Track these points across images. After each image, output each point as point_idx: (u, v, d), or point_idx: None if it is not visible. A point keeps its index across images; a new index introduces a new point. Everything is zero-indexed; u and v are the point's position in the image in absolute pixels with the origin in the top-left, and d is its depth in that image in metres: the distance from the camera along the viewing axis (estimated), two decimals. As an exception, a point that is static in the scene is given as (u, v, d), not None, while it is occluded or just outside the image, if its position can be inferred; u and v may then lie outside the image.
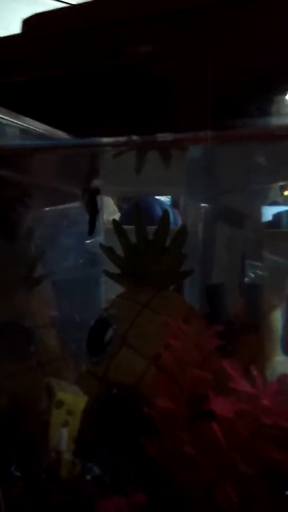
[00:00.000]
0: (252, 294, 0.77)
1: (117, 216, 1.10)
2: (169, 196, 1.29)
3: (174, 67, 0.49)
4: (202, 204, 0.93)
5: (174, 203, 1.30)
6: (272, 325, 0.74)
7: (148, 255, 0.61)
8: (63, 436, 0.47)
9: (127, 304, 0.60)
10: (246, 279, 0.91)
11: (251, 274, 0.95)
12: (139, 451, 0.47)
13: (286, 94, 0.51)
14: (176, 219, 0.95)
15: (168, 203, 1.28)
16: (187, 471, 0.43)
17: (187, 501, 0.43)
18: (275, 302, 0.77)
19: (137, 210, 0.63)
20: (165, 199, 1.28)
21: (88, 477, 0.48)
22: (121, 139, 0.46)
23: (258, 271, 0.96)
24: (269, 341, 0.71)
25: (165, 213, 0.62)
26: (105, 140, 0.49)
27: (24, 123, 0.55)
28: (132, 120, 0.51)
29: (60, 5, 0.52)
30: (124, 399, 0.54)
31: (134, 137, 0.45)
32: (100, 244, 0.66)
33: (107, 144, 0.49)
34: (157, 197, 1.18)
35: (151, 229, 0.62)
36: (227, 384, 0.43)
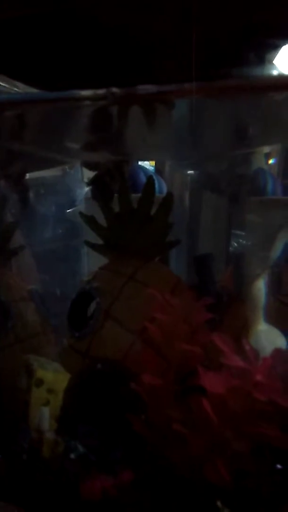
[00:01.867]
0: (238, 264, 0.75)
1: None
2: (153, 163, 1.24)
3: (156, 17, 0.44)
4: (188, 171, 0.89)
5: (159, 171, 1.25)
6: (255, 294, 0.72)
7: (133, 224, 0.57)
8: (44, 415, 0.45)
9: (111, 276, 0.57)
10: (231, 249, 0.89)
11: (236, 243, 0.93)
12: (125, 428, 0.45)
13: (275, 49, 0.47)
14: (161, 187, 0.90)
15: (153, 171, 1.23)
16: (175, 448, 0.42)
17: (175, 478, 0.41)
18: (259, 271, 0.75)
19: (120, 176, 0.59)
20: (149, 166, 1.23)
21: (72, 455, 0.46)
22: (100, 91, 0.41)
23: (241, 240, 0.94)
24: (252, 310, 0.70)
25: (150, 179, 0.58)
26: (83, 93, 0.44)
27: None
28: (113, 72, 0.46)
29: None
30: (109, 374, 0.51)
31: (114, 89, 0.40)
32: (81, 213, 0.62)
33: (85, 98, 0.44)
34: (140, 163, 1.13)
35: (136, 197, 0.58)
36: (217, 358, 0.41)
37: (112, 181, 0.65)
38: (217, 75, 0.44)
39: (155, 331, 0.44)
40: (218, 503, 0.39)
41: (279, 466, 0.43)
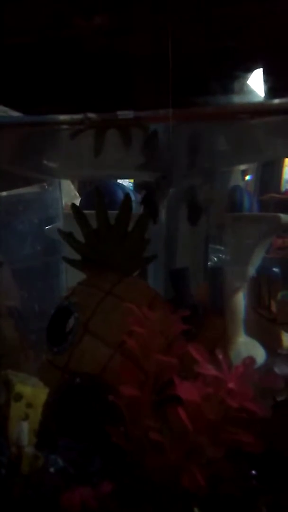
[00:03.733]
0: (215, 278, 0.77)
1: (78, 201, 1.07)
2: (132, 180, 1.26)
3: (133, 42, 0.47)
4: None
5: (137, 188, 1.28)
6: (235, 307, 0.74)
7: (110, 240, 0.59)
8: (23, 430, 0.45)
9: (89, 291, 0.58)
10: (209, 263, 0.92)
11: (214, 257, 0.95)
12: (104, 440, 0.46)
13: (247, 73, 0.50)
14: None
15: (131, 188, 1.25)
16: (153, 457, 0.42)
17: (153, 487, 0.42)
18: (237, 284, 0.78)
19: (97, 194, 0.61)
20: (128, 183, 1.25)
21: (52, 469, 0.46)
22: (77, 117, 0.44)
23: (220, 255, 0.97)
24: (232, 323, 0.72)
25: (127, 197, 0.60)
26: (60, 118, 0.46)
27: None
28: (89, 97, 0.48)
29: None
30: (87, 388, 0.52)
31: (90, 115, 0.42)
32: (59, 230, 0.64)
33: (62, 122, 0.46)
34: (119, 181, 1.15)
35: (113, 214, 0.60)
36: (193, 368, 0.43)
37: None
38: (191, 101, 0.46)
39: (132, 344, 0.45)
40: (195, 509, 0.40)
41: (253, 472, 0.44)
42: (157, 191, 0.70)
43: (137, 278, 0.61)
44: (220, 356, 0.42)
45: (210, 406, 0.40)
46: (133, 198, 0.65)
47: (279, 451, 0.45)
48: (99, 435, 0.46)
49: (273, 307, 0.90)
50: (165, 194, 0.64)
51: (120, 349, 0.51)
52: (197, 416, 0.40)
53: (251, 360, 0.42)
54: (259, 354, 0.76)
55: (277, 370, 0.73)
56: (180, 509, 0.40)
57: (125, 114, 0.46)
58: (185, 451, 0.41)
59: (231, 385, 0.39)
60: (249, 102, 0.47)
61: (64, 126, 0.48)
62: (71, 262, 0.62)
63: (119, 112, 0.47)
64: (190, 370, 0.44)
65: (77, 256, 0.62)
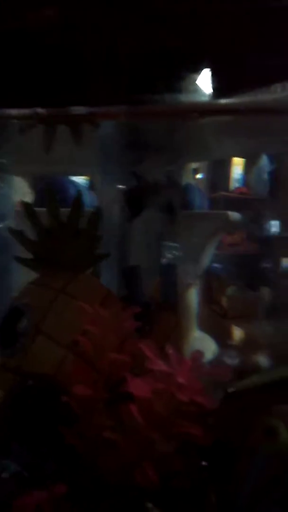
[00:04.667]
0: (168, 274, 0.78)
1: (30, 198, 1.04)
2: (87, 178, 1.25)
3: (84, 37, 0.47)
4: (119, 186, 0.92)
5: (92, 186, 1.27)
6: (188, 303, 0.76)
7: (62, 238, 0.58)
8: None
9: (41, 290, 0.57)
10: (162, 260, 0.93)
11: (167, 254, 0.97)
12: (58, 441, 0.46)
13: (196, 72, 0.51)
14: (91, 201, 0.92)
15: (86, 185, 1.24)
16: (107, 456, 0.43)
17: (108, 486, 0.43)
18: (190, 281, 0.79)
19: (48, 191, 0.60)
20: (82, 180, 1.24)
21: (4, 474, 0.46)
22: (27, 111, 0.43)
23: (173, 252, 0.99)
24: (185, 319, 0.74)
25: (78, 194, 0.59)
26: (10, 112, 0.44)
27: None
28: (40, 92, 0.47)
29: None
30: (40, 389, 0.51)
31: (40, 110, 0.42)
32: (9, 228, 0.62)
33: (11, 117, 0.45)
34: (73, 178, 1.14)
35: (65, 211, 0.59)
36: (145, 365, 0.43)
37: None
38: (142, 99, 0.47)
39: (86, 343, 0.45)
40: (148, 505, 0.40)
41: (204, 463, 0.46)
42: (143, 195, 0.70)
43: (90, 276, 0.60)
44: (170, 351, 0.43)
45: (161, 401, 0.41)
46: (86, 195, 0.64)
47: (228, 441, 0.46)
48: (53, 437, 0.46)
49: (224, 302, 0.93)
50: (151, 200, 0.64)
51: (73, 349, 0.50)
52: (149, 412, 0.41)
53: (199, 353, 0.43)
54: (212, 348, 0.79)
55: (227, 362, 0.76)
56: (134, 506, 0.41)
57: (76, 110, 0.46)
58: (138, 448, 0.41)
59: (180, 379, 0.41)
60: (198, 101, 0.48)
61: (14, 121, 0.47)
62: (23, 261, 0.61)
63: (70, 108, 0.46)
64: (143, 367, 0.44)
65: (29, 255, 0.60)
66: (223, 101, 0.43)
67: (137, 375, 0.44)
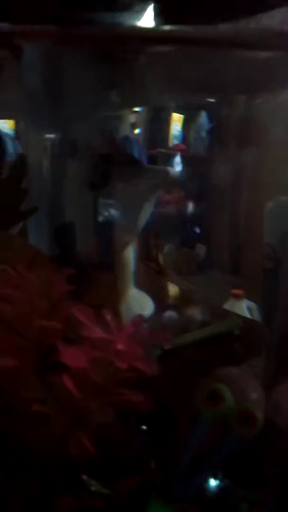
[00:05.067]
0: (105, 233, 0.74)
1: None
2: (10, 124, 1.12)
3: None
4: (48, 135, 0.83)
5: (18, 134, 1.15)
6: (125, 261, 0.73)
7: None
8: None
9: None
10: (99, 218, 0.88)
11: (104, 212, 0.92)
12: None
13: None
14: (17, 150, 0.82)
15: (10, 133, 1.11)
16: (38, 429, 0.39)
17: (39, 460, 0.39)
18: (127, 239, 0.76)
19: None
20: (5, 126, 1.11)
21: None
22: None
23: (110, 209, 0.93)
24: (123, 277, 0.71)
25: (-2, 139, 0.51)
26: None
27: None
28: None
29: None
30: None
31: None
32: None
33: None
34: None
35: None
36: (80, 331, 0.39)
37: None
38: (74, 18, 0.38)
39: (8, 309, 0.40)
40: (84, 477, 0.38)
41: (144, 427, 0.44)
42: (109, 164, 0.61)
43: (14, 235, 0.54)
44: (108, 316, 0.39)
45: (98, 369, 0.37)
46: (9, 143, 0.56)
47: (167, 403, 0.45)
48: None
49: (160, 260, 0.91)
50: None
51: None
52: (84, 381, 0.38)
53: (140, 318, 0.40)
54: (149, 306, 0.77)
55: (164, 318, 0.76)
56: (68, 480, 0.38)
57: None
58: (72, 419, 0.38)
59: (119, 346, 0.37)
60: (142, 26, 0.40)
61: None
62: None
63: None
64: (78, 333, 0.40)
65: None
66: (170, 28, 0.37)
67: (72, 341, 0.40)
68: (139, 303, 0.76)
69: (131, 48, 0.40)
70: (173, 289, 1.00)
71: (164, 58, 0.45)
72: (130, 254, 0.76)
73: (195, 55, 0.43)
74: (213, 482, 0.38)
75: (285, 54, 0.38)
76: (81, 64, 0.46)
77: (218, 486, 0.38)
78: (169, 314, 0.77)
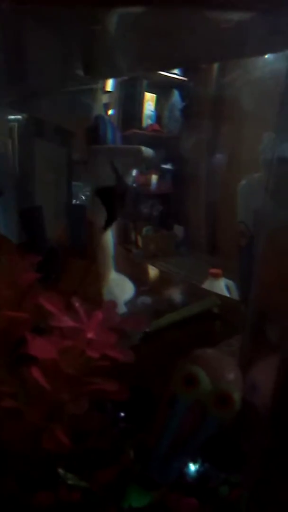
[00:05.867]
0: (77, 216, 0.71)
1: None
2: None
3: None
4: (12, 117, 0.79)
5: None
6: (104, 245, 0.71)
7: None
8: None
9: None
10: (70, 201, 0.85)
11: (76, 195, 0.89)
12: None
13: None
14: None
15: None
16: (9, 425, 0.37)
17: (14, 456, 0.38)
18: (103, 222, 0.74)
19: None
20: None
21: None
22: None
23: (85, 191, 0.90)
24: (102, 261, 0.69)
25: None
26: None
27: None
28: None
29: None
30: None
31: None
32: None
33: None
34: None
35: None
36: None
37: None
38: None
39: None
40: (60, 470, 0.36)
41: (121, 414, 0.43)
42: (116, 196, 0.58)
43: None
44: (77, 304, 0.37)
45: (68, 360, 0.36)
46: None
47: (145, 387, 0.44)
48: None
49: (139, 242, 0.89)
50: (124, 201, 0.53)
51: None
52: (55, 372, 0.36)
53: (111, 304, 0.38)
54: (129, 288, 0.76)
55: (140, 302, 0.74)
56: (45, 474, 0.36)
57: None
58: (44, 412, 0.36)
59: (90, 334, 0.35)
60: None
61: None
62: None
63: None
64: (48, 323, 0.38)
65: None
66: None
67: (43, 331, 0.38)
68: (120, 286, 0.75)
69: (98, 8, 0.37)
70: (152, 271, 0.99)
71: (130, 25, 0.41)
72: (108, 237, 0.74)
73: (161, 21, 0.41)
74: (192, 467, 0.37)
75: (258, 16, 0.36)
76: (43, 31, 0.43)
77: (197, 470, 0.37)
78: (147, 297, 0.76)
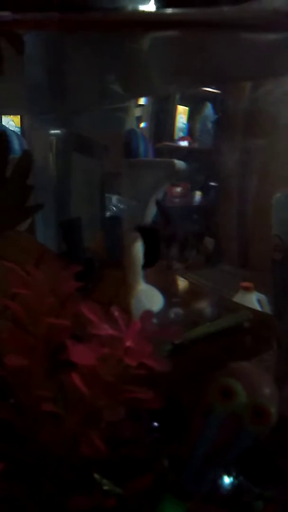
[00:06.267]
0: (112, 227, 0.73)
1: None
2: (15, 121, 1.12)
3: None
4: (52, 131, 0.82)
5: (23, 131, 1.14)
6: (134, 256, 0.73)
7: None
8: None
9: None
10: (106, 212, 0.87)
11: (111, 206, 0.91)
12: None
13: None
14: (23, 147, 0.82)
15: (16, 130, 1.11)
16: (48, 429, 0.39)
17: (50, 460, 0.39)
18: (135, 234, 0.75)
19: None
20: (11, 124, 1.11)
21: None
22: None
23: (118, 203, 0.93)
24: (132, 272, 0.70)
25: (1, 135, 0.50)
26: None
27: None
28: None
29: None
30: None
31: None
32: None
33: None
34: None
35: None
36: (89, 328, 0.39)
37: None
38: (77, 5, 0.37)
39: (16, 308, 0.39)
40: (96, 476, 0.37)
41: (155, 424, 0.43)
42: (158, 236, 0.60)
43: (20, 232, 0.53)
44: (116, 313, 0.38)
45: (107, 367, 0.37)
46: (15, 140, 0.55)
47: (179, 399, 0.44)
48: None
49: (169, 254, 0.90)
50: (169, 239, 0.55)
51: (4, 315, 0.44)
52: (94, 379, 0.37)
53: (148, 314, 0.39)
54: (158, 300, 0.77)
55: (173, 314, 0.75)
56: (81, 479, 0.37)
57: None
58: (82, 418, 0.38)
59: (128, 343, 0.37)
60: (145, 10, 0.38)
61: None
62: None
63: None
64: (87, 331, 0.40)
65: None
66: (172, 11, 0.35)
67: (81, 339, 0.39)
68: (149, 298, 0.76)
69: (133, 33, 0.39)
70: (182, 283, 0.99)
71: (167, 45, 0.43)
72: (138, 249, 0.76)
73: (198, 40, 0.42)
74: (226, 479, 0.37)
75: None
76: (83, 54, 0.45)
77: (232, 483, 0.37)
78: (177, 309, 0.76)
